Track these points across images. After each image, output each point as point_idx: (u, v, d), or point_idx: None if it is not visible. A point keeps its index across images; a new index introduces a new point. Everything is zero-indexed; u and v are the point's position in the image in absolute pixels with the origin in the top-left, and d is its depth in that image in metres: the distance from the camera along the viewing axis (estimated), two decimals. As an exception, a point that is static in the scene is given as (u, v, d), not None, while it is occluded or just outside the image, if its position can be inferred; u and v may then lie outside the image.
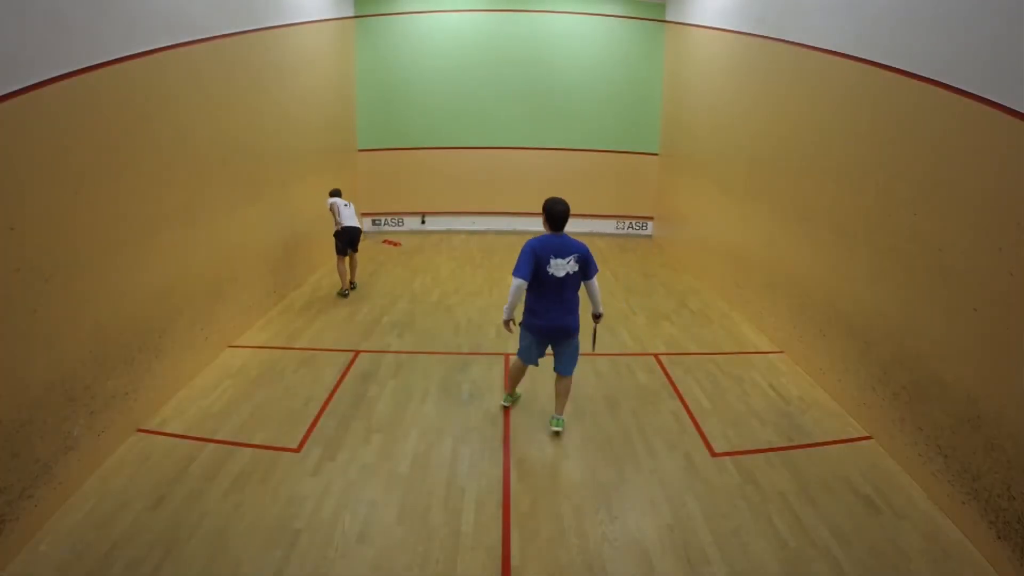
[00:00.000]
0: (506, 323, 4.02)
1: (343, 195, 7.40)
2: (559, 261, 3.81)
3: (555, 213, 3.86)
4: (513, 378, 4.43)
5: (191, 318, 4.89)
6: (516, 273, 3.79)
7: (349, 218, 7.14)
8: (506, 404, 4.54)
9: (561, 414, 4.22)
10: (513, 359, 4.36)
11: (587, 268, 3.91)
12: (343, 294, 7.24)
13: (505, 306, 3.92)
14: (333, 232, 7.12)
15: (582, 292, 4.04)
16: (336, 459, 3.86)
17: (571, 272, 3.84)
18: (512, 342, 5.90)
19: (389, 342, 5.86)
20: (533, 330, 4.04)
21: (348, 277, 7.34)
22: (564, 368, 4.12)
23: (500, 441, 4.12)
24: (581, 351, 4.17)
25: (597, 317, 4.20)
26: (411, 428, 4.27)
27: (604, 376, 5.13)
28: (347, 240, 7.14)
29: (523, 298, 3.94)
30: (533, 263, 3.79)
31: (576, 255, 3.84)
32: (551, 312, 3.93)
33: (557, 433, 4.16)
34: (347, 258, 7.27)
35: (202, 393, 4.70)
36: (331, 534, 3.18)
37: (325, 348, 5.68)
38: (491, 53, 10.59)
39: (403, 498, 3.49)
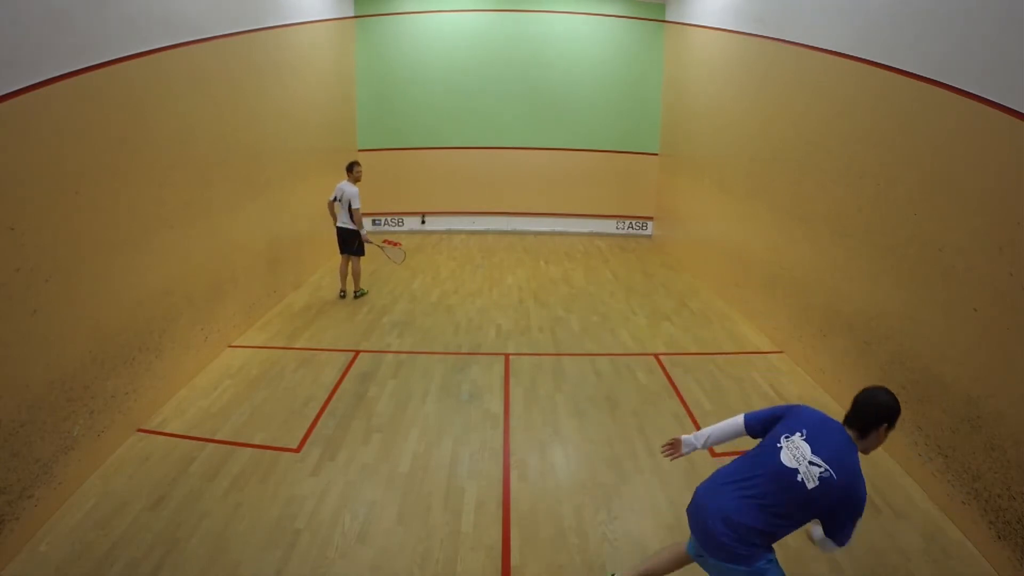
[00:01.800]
0: (678, 444, 2.61)
1: (354, 170, 6.91)
2: (803, 446, 2.23)
3: (858, 397, 2.38)
4: (657, 565, 2.64)
5: (191, 318, 4.89)
6: (746, 414, 2.55)
7: (341, 217, 6.92)
8: None
9: None
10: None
11: (832, 516, 2.17)
12: (341, 295, 7.20)
13: (707, 429, 2.58)
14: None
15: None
16: (336, 459, 3.86)
17: (802, 480, 2.15)
18: (513, 342, 5.94)
19: (389, 342, 5.86)
20: (690, 510, 2.43)
21: (346, 281, 7.20)
22: None
23: (500, 441, 4.12)
24: None
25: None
26: (411, 428, 4.26)
27: (604, 376, 5.13)
28: (340, 241, 7.03)
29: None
30: (771, 420, 2.43)
31: (833, 474, 2.14)
32: (718, 491, 2.31)
33: None
34: (347, 258, 7.13)
35: (202, 393, 4.70)
36: (331, 534, 3.18)
37: (325, 348, 5.68)
38: (491, 53, 10.59)
39: (403, 498, 3.49)
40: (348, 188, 6.83)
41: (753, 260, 6.52)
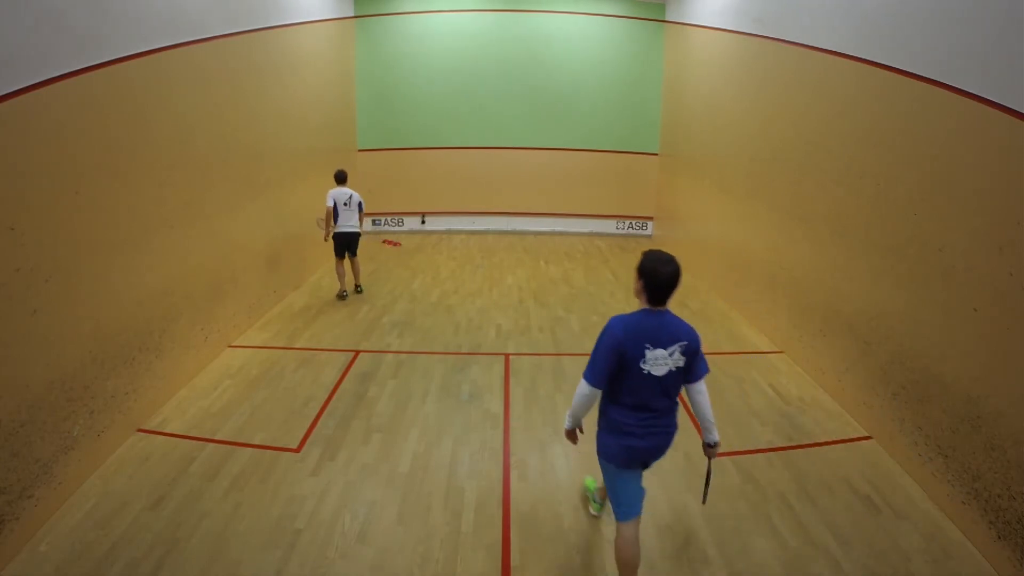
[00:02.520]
0: (569, 432, 2.80)
1: (348, 179, 7.06)
2: (658, 353, 2.49)
3: (659, 278, 2.46)
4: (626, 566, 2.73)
5: (191, 318, 4.89)
6: (587, 375, 2.56)
7: (346, 221, 6.90)
8: (595, 513, 3.38)
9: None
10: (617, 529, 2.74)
11: (695, 364, 2.60)
12: (341, 296, 7.19)
13: (568, 412, 2.72)
14: (332, 234, 6.94)
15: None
16: (336, 459, 3.86)
17: (674, 368, 2.53)
18: (513, 342, 5.94)
19: (389, 342, 5.86)
20: (628, 454, 2.63)
21: (346, 279, 7.26)
22: (639, 504, 2.76)
23: (500, 441, 4.12)
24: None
25: (710, 448, 2.74)
26: (411, 428, 4.26)
27: (604, 376, 5.13)
28: (343, 244, 7.02)
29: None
30: (616, 358, 2.50)
31: (684, 344, 2.52)
32: (649, 428, 2.59)
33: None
34: (344, 260, 7.17)
35: (202, 393, 4.70)
36: (331, 534, 3.18)
37: (325, 348, 5.68)
38: (491, 53, 10.59)
39: (403, 498, 3.49)
40: (355, 193, 7.00)
41: (753, 260, 6.52)
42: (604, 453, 2.69)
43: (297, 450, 3.96)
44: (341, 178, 7.02)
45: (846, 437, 4.22)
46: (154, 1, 4.32)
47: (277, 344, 5.74)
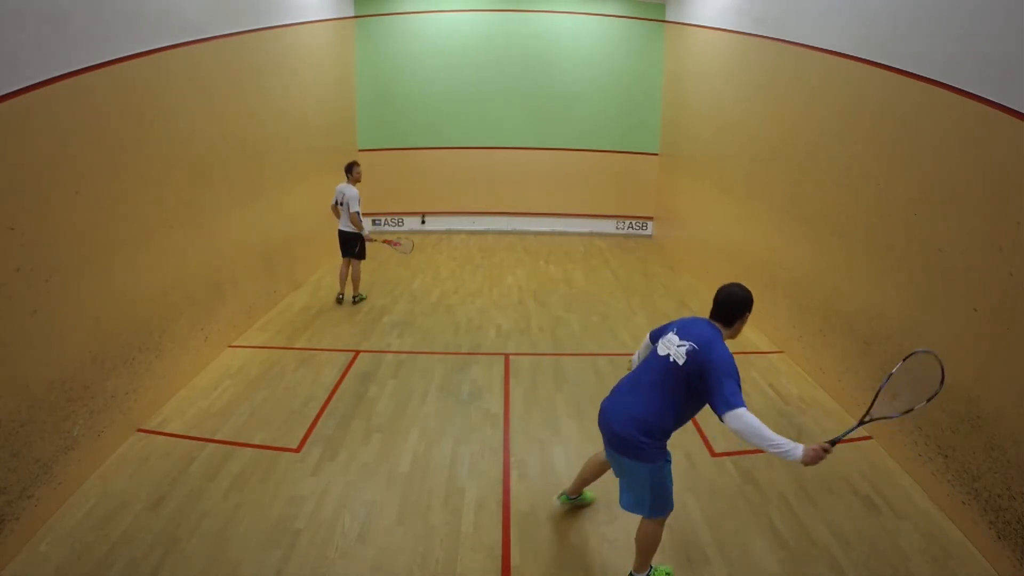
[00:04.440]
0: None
1: (351, 172, 6.72)
2: (672, 338, 2.71)
3: (717, 295, 2.86)
4: (583, 467, 3.24)
5: (191, 318, 4.89)
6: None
7: (342, 220, 6.79)
8: (557, 500, 3.43)
9: (639, 572, 2.84)
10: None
11: (706, 385, 2.53)
12: (338, 300, 7.03)
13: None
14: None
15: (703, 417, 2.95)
16: (336, 459, 3.86)
17: (673, 360, 2.61)
18: (513, 342, 5.94)
19: (389, 342, 5.86)
20: (599, 419, 2.83)
21: (345, 284, 7.04)
22: (623, 499, 2.80)
23: (500, 441, 4.12)
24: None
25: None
26: (411, 428, 4.26)
27: (604, 376, 5.13)
28: (341, 244, 6.87)
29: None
30: (661, 328, 2.88)
31: (693, 345, 2.61)
32: (616, 399, 2.76)
33: None
34: (348, 261, 6.95)
35: (202, 393, 4.70)
36: (331, 534, 3.18)
37: (325, 348, 5.68)
38: (491, 53, 10.58)
39: (403, 498, 3.49)
40: (348, 190, 6.66)
41: (753, 260, 6.51)
42: None
43: (297, 450, 3.96)
44: (345, 170, 6.75)
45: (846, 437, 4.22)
46: (154, 1, 4.32)
47: (277, 344, 5.74)
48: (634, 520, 3.32)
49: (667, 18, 10.25)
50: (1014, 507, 2.94)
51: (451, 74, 10.62)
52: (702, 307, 7.08)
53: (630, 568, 2.87)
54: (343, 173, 6.80)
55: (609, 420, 2.69)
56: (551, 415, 4.44)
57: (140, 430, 4.12)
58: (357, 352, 5.58)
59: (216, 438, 4.07)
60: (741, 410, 2.39)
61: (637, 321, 6.57)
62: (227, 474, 3.67)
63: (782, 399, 4.77)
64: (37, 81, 3.18)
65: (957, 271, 3.43)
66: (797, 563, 3.03)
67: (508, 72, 10.66)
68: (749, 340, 6.06)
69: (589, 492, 3.41)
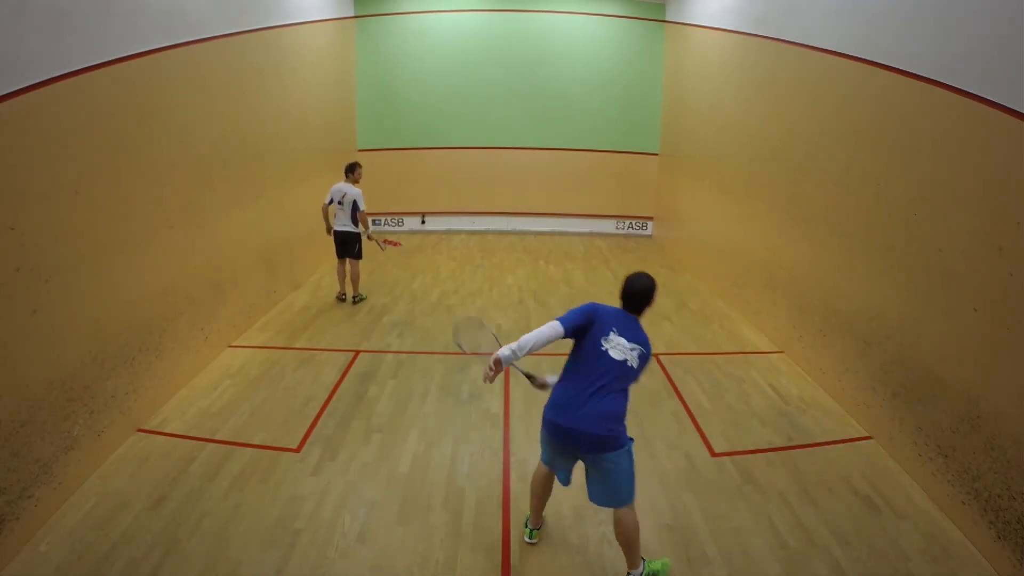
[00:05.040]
0: (497, 363, 2.75)
1: (353, 173, 6.72)
2: (621, 340, 2.76)
3: (630, 288, 2.87)
4: (533, 493, 3.12)
5: (191, 318, 4.89)
6: (560, 319, 2.80)
7: (340, 219, 6.72)
8: (531, 540, 3.16)
9: (634, 568, 2.85)
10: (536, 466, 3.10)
11: (640, 372, 2.82)
12: (340, 298, 7.07)
13: (515, 344, 2.73)
14: (331, 231, 6.85)
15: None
16: (336, 459, 3.86)
17: (630, 363, 2.74)
18: (512, 342, 5.90)
19: (389, 342, 5.86)
20: (546, 426, 2.88)
21: (346, 282, 7.06)
22: (598, 496, 2.84)
23: (500, 441, 4.12)
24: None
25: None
26: (411, 428, 4.26)
27: (604, 376, 5.13)
28: (339, 244, 6.85)
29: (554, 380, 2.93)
30: (586, 320, 2.81)
31: (642, 350, 2.78)
32: (577, 406, 2.71)
33: None
34: (344, 262, 6.96)
35: (202, 393, 4.70)
36: (331, 534, 3.18)
37: (325, 348, 5.68)
38: (491, 53, 10.59)
39: (403, 498, 3.49)
40: (350, 189, 6.63)
41: (753, 260, 6.52)
42: (543, 417, 2.91)
43: (297, 450, 3.96)
44: (346, 170, 6.74)
45: (846, 437, 4.22)
46: (154, 1, 4.32)
47: (277, 344, 5.74)
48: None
49: (667, 18, 10.25)
50: (1014, 507, 2.94)
51: (451, 74, 10.62)
52: (702, 307, 7.09)
53: (626, 569, 2.86)
54: (342, 173, 6.79)
55: (580, 428, 2.70)
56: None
57: (140, 430, 4.12)
58: (357, 352, 5.58)
59: (216, 438, 4.07)
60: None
61: (637, 321, 6.56)
62: (227, 474, 3.67)
63: (782, 399, 4.77)
64: (37, 81, 3.18)
65: (957, 271, 3.43)
66: (797, 563, 3.03)
67: (508, 72, 10.66)
68: (749, 340, 6.06)
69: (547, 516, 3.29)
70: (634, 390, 4.80)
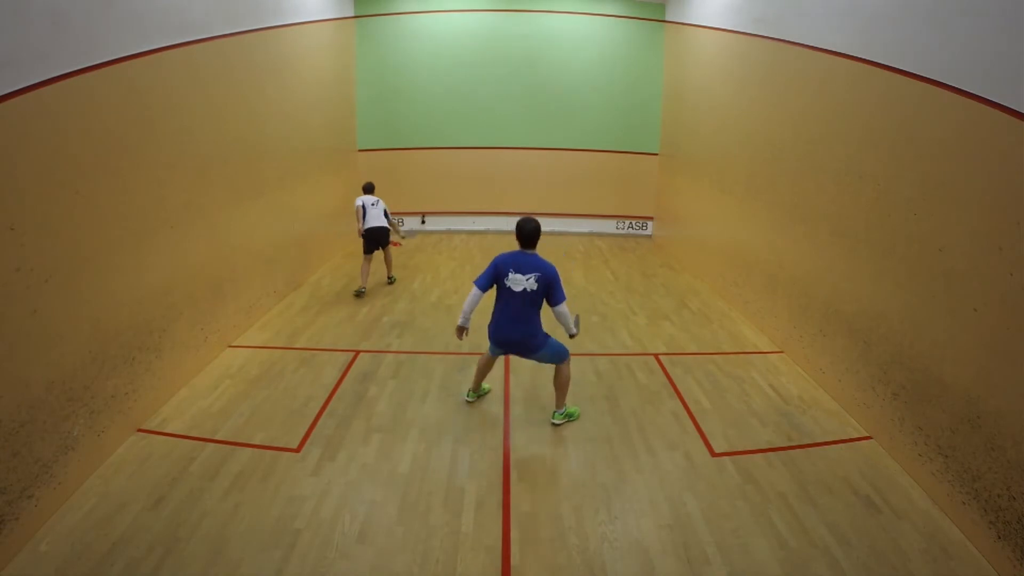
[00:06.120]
0: (459, 329, 4.14)
1: (375, 190, 7.58)
2: (517, 276, 3.96)
3: (522, 230, 4.04)
4: (480, 370, 4.54)
5: (191, 318, 4.89)
6: (476, 282, 4.04)
7: (373, 219, 7.26)
8: (470, 399, 4.61)
9: (559, 407, 4.34)
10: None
11: (550, 292, 3.96)
12: (359, 293, 7.23)
13: (461, 311, 4.11)
14: (362, 232, 7.27)
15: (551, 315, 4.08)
16: (336, 459, 3.86)
17: (528, 289, 3.94)
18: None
19: (389, 342, 5.86)
20: (490, 337, 4.23)
21: (369, 278, 7.39)
22: (544, 362, 4.29)
23: (500, 441, 4.13)
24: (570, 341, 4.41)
25: (571, 337, 4.18)
26: (411, 428, 4.27)
27: (604, 376, 5.13)
28: (372, 241, 7.31)
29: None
30: (493, 274, 4.03)
31: (538, 274, 3.94)
32: (505, 325, 4.08)
33: (555, 425, 4.32)
34: (372, 257, 7.37)
35: (202, 393, 4.70)
36: (331, 534, 3.18)
37: (325, 348, 5.68)
38: (491, 53, 10.59)
39: (403, 498, 3.49)
40: (380, 200, 7.45)
41: (753, 260, 6.52)
42: (488, 328, 4.24)
43: (297, 450, 3.96)
44: (368, 189, 7.53)
45: (846, 437, 4.23)
46: (154, 1, 4.32)
47: (277, 344, 5.74)
48: (633, 518, 3.31)
49: (667, 18, 10.25)
50: (1014, 507, 2.94)
51: (451, 74, 10.62)
52: (702, 307, 7.09)
53: (553, 409, 4.36)
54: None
55: (509, 340, 4.13)
56: (551, 415, 4.44)
57: (140, 430, 4.12)
58: (357, 352, 5.58)
59: (216, 438, 4.07)
60: (564, 304, 4.00)
61: (637, 321, 6.57)
62: (227, 474, 3.67)
63: (782, 399, 4.78)
64: (37, 81, 3.18)
65: (957, 271, 3.43)
66: (797, 563, 3.03)
67: (508, 72, 10.66)
68: (749, 340, 6.06)
69: (486, 384, 4.74)
70: (634, 389, 4.88)
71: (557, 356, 4.18)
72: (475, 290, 4.01)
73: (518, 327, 4.04)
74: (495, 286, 4.07)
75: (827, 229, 4.93)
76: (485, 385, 4.73)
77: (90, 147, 3.64)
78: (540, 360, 4.21)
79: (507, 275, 3.97)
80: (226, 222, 5.53)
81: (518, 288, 3.95)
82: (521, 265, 3.97)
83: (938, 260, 3.59)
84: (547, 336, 4.13)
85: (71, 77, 3.44)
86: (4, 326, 2.96)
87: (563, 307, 4.00)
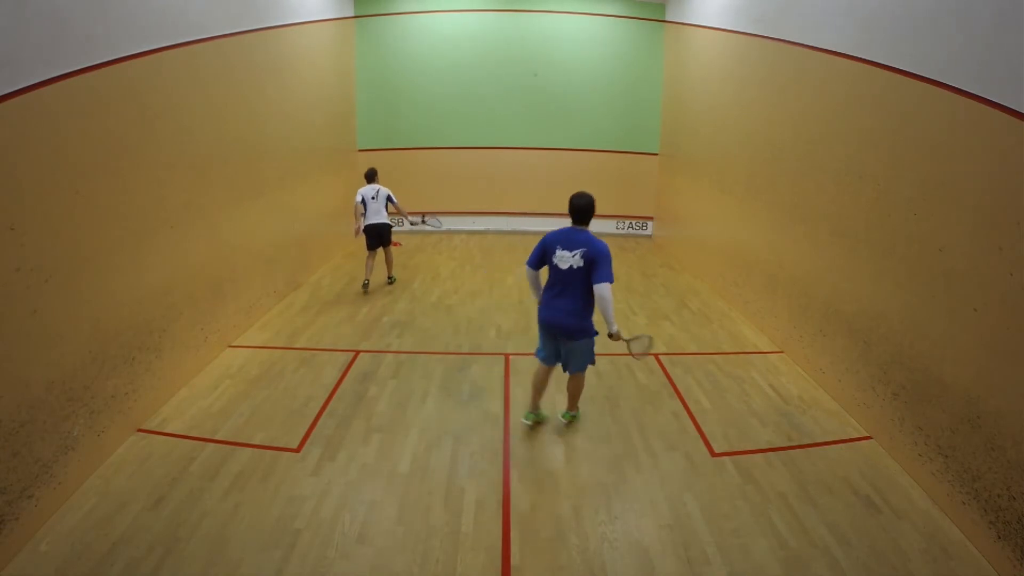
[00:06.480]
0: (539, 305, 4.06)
1: (377, 177, 7.46)
2: (564, 253, 3.79)
3: (573, 205, 3.90)
4: (535, 386, 4.19)
5: (191, 318, 4.89)
6: (528, 262, 3.99)
7: (374, 214, 7.23)
8: (527, 421, 4.23)
9: (571, 410, 4.32)
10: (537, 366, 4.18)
11: (594, 269, 3.69)
12: (364, 286, 7.29)
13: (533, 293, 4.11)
14: (362, 228, 7.23)
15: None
16: (336, 459, 3.86)
17: (575, 266, 3.74)
18: (513, 342, 5.94)
19: (389, 342, 5.86)
20: (539, 321, 4.04)
21: (373, 272, 7.40)
22: (570, 367, 4.06)
23: (500, 441, 4.12)
24: (595, 354, 4.09)
25: (611, 337, 3.74)
26: (411, 428, 4.27)
27: (604, 376, 5.13)
28: (374, 237, 7.28)
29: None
30: (541, 251, 3.92)
31: (584, 250, 3.73)
32: (551, 304, 3.92)
33: (564, 422, 4.30)
34: (375, 253, 7.36)
35: (202, 393, 4.70)
36: (331, 534, 3.18)
37: (325, 348, 5.68)
38: (491, 53, 10.58)
39: (403, 498, 3.49)
40: (381, 189, 7.32)
41: (753, 260, 6.52)
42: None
43: (297, 450, 3.96)
44: (370, 176, 7.42)
45: (846, 437, 4.23)
46: (154, 1, 4.32)
47: (277, 344, 5.74)
48: (633, 518, 3.31)
49: (667, 18, 10.25)
50: (1014, 507, 2.94)
51: (451, 74, 10.61)
52: (702, 307, 7.09)
53: (564, 410, 4.33)
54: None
55: (554, 321, 3.91)
56: (552, 415, 4.44)
57: (140, 430, 4.12)
58: (357, 352, 5.58)
59: (216, 438, 4.07)
60: (609, 284, 3.68)
61: (637, 321, 6.57)
62: (227, 474, 3.67)
63: (782, 399, 4.78)
64: (37, 81, 3.18)
65: (957, 271, 3.43)
66: (797, 563, 3.03)
67: (508, 72, 10.65)
68: (749, 340, 6.06)
69: (544, 411, 4.34)
70: (634, 389, 4.88)
71: (586, 358, 4.01)
72: (527, 270, 3.98)
73: (564, 307, 3.84)
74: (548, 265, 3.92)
75: (827, 229, 4.93)
76: (543, 412, 4.32)
77: (90, 147, 3.64)
78: (570, 354, 3.96)
79: (555, 252, 3.81)
80: (226, 222, 5.53)
81: (564, 266, 3.77)
82: (569, 242, 3.79)
83: (938, 260, 3.59)
84: (594, 332, 3.91)
85: (71, 77, 3.44)
86: (4, 326, 2.96)
87: (606, 289, 3.64)
